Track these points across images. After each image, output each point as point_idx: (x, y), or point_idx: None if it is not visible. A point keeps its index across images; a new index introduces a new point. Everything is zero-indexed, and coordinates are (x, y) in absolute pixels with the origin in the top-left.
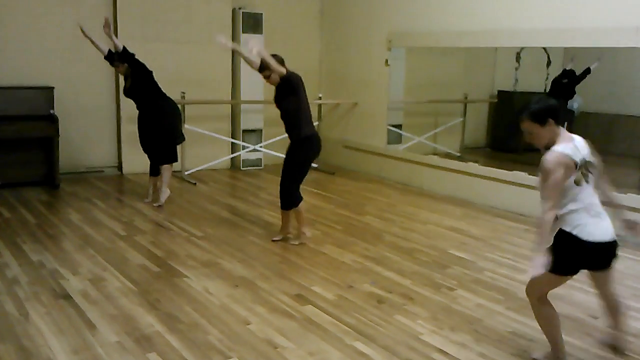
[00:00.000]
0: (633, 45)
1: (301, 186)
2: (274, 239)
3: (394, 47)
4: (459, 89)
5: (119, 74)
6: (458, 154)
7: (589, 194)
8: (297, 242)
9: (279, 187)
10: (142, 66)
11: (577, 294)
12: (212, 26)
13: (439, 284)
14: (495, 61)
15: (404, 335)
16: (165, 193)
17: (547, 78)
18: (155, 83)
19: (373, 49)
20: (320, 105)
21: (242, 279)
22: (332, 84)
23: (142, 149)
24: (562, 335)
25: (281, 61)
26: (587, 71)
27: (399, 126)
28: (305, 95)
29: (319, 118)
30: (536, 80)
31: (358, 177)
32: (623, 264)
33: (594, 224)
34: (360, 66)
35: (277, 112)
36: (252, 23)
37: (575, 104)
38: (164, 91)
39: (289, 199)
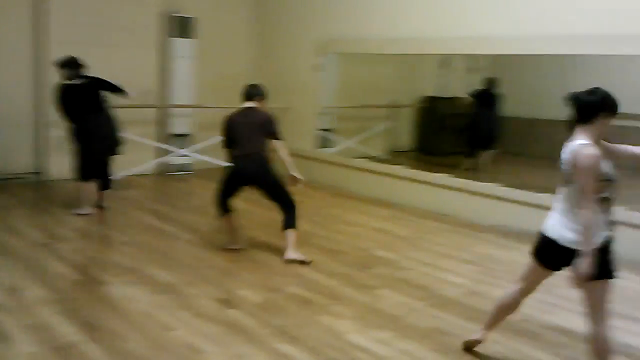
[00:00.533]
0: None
1: None
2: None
3: (326, 53)
4: (388, 94)
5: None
6: (386, 157)
7: None
8: (235, 247)
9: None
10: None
11: (494, 289)
12: (141, 30)
13: (363, 283)
14: (420, 67)
15: (329, 335)
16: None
17: (471, 85)
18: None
19: (305, 55)
20: None
21: (166, 285)
22: (266, 89)
23: (87, 164)
24: None
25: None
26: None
27: (329, 130)
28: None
29: None
30: (461, 87)
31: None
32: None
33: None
34: (292, 71)
35: (207, 116)
36: (183, 27)
37: None
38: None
39: (217, 207)
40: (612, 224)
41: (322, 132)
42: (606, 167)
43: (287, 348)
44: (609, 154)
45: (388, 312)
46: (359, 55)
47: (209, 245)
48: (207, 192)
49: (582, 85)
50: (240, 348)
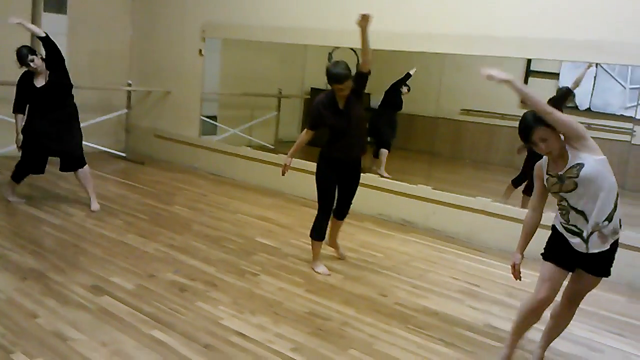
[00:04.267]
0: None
1: (106, 175)
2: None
3: (209, 38)
4: (273, 83)
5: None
6: (272, 147)
7: None
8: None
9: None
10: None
11: (370, 275)
12: (11, 5)
13: (243, 270)
14: (306, 58)
15: (204, 321)
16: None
17: None
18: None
19: (187, 38)
20: (129, 93)
21: (32, 271)
22: (144, 71)
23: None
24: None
25: None
26: (407, 76)
27: (214, 117)
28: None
29: (128, 106)
30: None
31: (169, 167)
32: (412, 248)
33: None
34: (173, 54)
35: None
36: (56, 2)
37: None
38: None
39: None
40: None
41: (206, 119)
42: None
43: (160, 335)
44: None
45: (267, 298)
46: (245, 42)
47: (81, 231)
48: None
49: (459, 83)
50: (110, 335)
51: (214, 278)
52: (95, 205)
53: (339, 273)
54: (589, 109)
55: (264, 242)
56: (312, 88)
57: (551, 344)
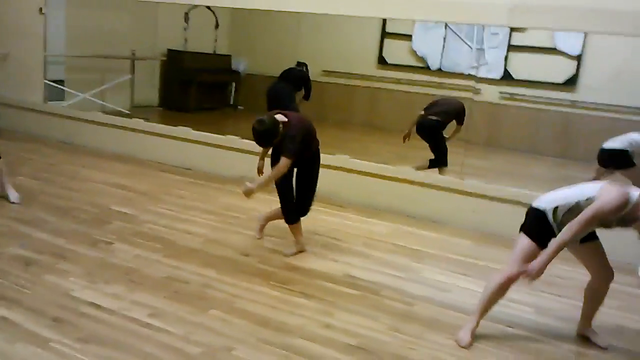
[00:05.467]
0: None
1: None
2: None
3: None
4: (126, 45)
5: None
6: (128, 112)
7: None
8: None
9: None
10: None
11: (232, 236)
12: None
13: (96, 239)
14: (157, 18)
15: (54, 294)
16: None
17: (215, 39)
18: None
19: None
20: None
21: None
22: None
23: None
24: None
25: None
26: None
27: (61, 82)
28: None
29: None
30: (205, 42)
31: (12, 136)
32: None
33: None
34: (9, 12)
35: None
36: None
37: (241, 65)
38: None
39: None
40: None
41: (52, 83)
42: None
43: (4, 312)
44: None
45: (122, 266)
46: (92, 0)
47: None
48: None
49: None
50: None
51: (63, 250)
52: None
53: (199, 236)
54: (439, 69)
55: (119, 210)
56: (168, 50)
57: (404, 288)
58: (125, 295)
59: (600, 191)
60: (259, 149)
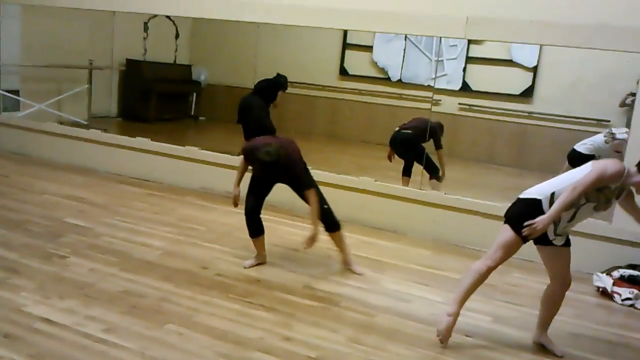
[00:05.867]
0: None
1: None
2: None
3: (5, 4)
4: (83, 54)
5: None
6: (86, 123)
7: None
8: None
9: None
10: None
11: (191, 249)
12: None
13: (50, 253)
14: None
15: (5, 310)
16: None
17: (176, 49)
18: None
19: None
20: None
21: None
22: None
23: None
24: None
25: None
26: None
27: (15, 92)
28: None
29: None
30: (165, 52)
31: None
32: (235, 219)
33: None
34: None
35: None
36: None
37: (202, 76)
38: None
39: None
40: None
41: (6, 93)
42: None
43: None
44: None
45: (76, 280)
46: (48, 9)
47: None
48: None
49: (276, 54)
50: None
51: (15, 264)
52: None
53: (157, 249)
54: (400, 80)
55: (74, 223)
56: (127, 59)
57: (364, 299)
58: (80, 310)
59: (594, 164)
60: (220, 160)
